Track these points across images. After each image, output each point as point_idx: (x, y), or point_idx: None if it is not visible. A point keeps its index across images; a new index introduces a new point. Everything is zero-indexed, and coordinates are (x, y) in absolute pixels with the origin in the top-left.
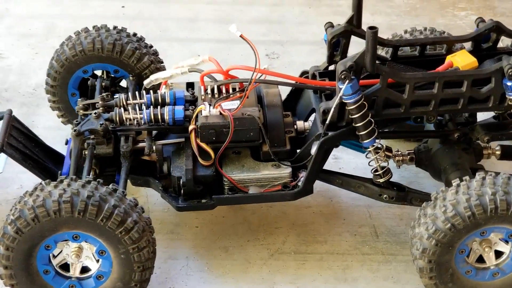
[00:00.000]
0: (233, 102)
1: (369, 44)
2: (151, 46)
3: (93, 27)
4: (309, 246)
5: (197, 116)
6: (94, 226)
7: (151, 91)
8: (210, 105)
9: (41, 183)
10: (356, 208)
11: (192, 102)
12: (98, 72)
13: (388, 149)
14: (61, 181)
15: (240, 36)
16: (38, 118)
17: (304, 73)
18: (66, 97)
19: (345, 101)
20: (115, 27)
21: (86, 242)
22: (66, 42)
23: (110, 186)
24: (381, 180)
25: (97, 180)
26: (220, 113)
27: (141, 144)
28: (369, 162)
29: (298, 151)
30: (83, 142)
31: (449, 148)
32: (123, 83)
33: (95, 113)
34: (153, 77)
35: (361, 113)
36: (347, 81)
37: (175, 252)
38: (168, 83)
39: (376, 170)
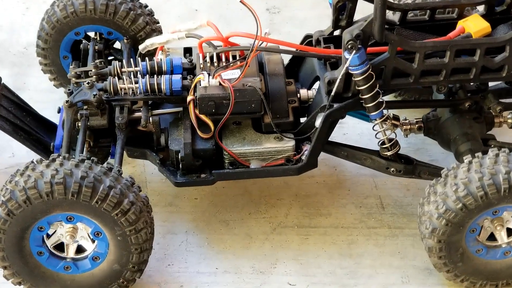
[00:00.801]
0: (233, 72)
1: (378, 11)
2: (146, 6)
3: None
4: (313, 219)
5: (195, 86)
6: (89, 208)
7: (147, 58)
8: (209, 74)
9: (32, 162)
10: (361, 177)
11: (190, 70)
12: (91, 34)
13: (395, 117)
14: (53, 160)
15: (240, 1)
16: (29, 80)
17: (307, 37)
18: (58, 60)
19: (352, 72)
20: None
21: (81, 222)
22: (57, 2)
23: (105, 164)
24: (389, 153)
25: (91, 158)
26: (220, 84)
27: (137, 114)
28: (375, 134)
29: (301, 120)
30: (76, 113)
31: (459, 117)
32: (117, 45)
33: (88, 82)
34: (148, 42)
35: (368, 84)
36: (354, 51)
37: (174, 226)
38: (165, 48)
39: (383, 143)
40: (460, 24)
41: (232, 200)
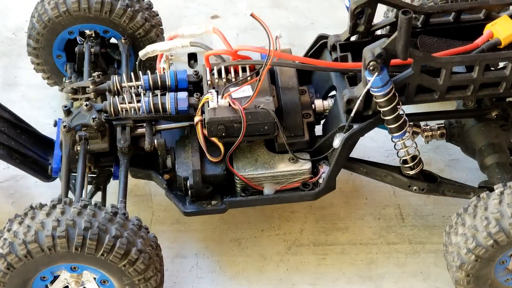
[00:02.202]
0: (244, 89)
1: (402, 30)
2: None
3: None
4: (329, 235)
5: (203, 106)
6: (94, 259)
7: (149, 72)
8: (217, 92)
9: (31, 207)
10: (379, 183)
11: (196, 84)
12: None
13: (416, 124)
14: (54, 207)
15: (251, 15)
16: (21, 73)
17: (320, 38)
18: (52, 59)
19: (374, 94)
20: None
21: (86, 271)
22: (48, 0)
23: (109, 208)
24: (412, 173)
25: (95, 203)
26: (230, 105)
27: (139, 131)
28: (397, 153)
29: (317, 139)
30: (74, 136)
31: (485, 125)
32: (115, 40)
33: (87, 104)
34: (149, 48)
35: (391, 106)
36: (376, 73)
37: (182, 248)
38: (167, 55)
39: (406, 161)
40: (488, 28)
41: (243, 215)
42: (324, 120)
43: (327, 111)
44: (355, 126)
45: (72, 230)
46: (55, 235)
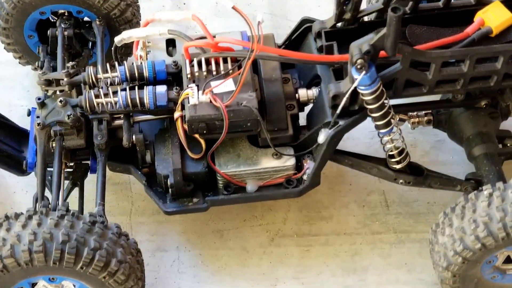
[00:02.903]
0: (226, 83)
1: (392, 27)
2: None
3: None
4: (313, 225)
5: (183, 101)
6: (73, 272)
7: (125, 62)
8: (197, 86)
9: (6, 217)
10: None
11: (175, 74)
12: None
13: None
14: (30, 217)
15: (232, 7)
16: None
17: (304, 22)
18: (23, 39)
19: (361, 91)
20: None
21: (65, 281)
22: None
23: (87, 217)
24: (398, 166)
25: (72, 212)
26: (211, 101)
27: (117, 122)
28: (383, 147)
29: (301, 130)
30: (49, 130)
31: (474, 113)
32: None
33: (61, 100)
34: (125, 34)
35: (379, 103)
36: (364, 72)
37: (163, 241)
38: (145, 41)
39: (392, 155)
40: (479, 15)
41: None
42: (308, 110)
43: (311, 100)
44: (341, 123)
45: (49, 243)
46: (32, 249)
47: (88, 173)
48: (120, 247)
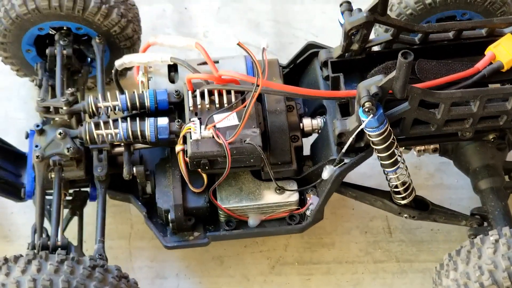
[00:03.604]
0: (229, 118)
1: (401, 72)
2: None
3: None
4: (315, 252)
5: (185, 135)
6: None
7: (126, 92)
8: (200, 120)
9: (5, 260)
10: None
11: (177, 104)
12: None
13: None
14: (29, 262)
15: (238, 44)
16: None
17: (310, 47)
18: (20, 54)
19: (368, 133)
20: None
21: None
22: None
23: (87, 261)
24: (403, 202)
25: (72, 257)
26: (213, 136)
27: (117, 150)
28: (388, 183)
29: (305, 161)
30: (48, 161)
31: (481, 145)
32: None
33: (60, 133)
34: (126, 59)
35: (386, 144)
36: (371, 115)
37: (163, 267)
38: (146, 67)
39: (397, 191)
40: (491, 50)
41: None
42: (313, 141)
43: (316, 130)
44: (347, 161)
45: None
46: None
47: (88, 200)
48: None
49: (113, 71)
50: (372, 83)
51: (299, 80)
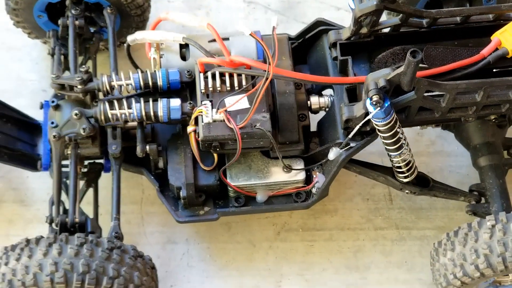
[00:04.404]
0: (241, 101)
1: (409, 69)
2: None
3: None
4: (318, 219)
5: (196, 117)
6: None
7: (139, 70)
8: (211, 102)
9: (27, 241)
10: (369, 156)
11: (189, 84)
12: None
13: None
14: (50, 245)
15: (250, 34)
16: None
17: (319, 24)
18: (32, 19)
19: (374, 123)
20: None
21: None
22: None
23: (105, 243)
24: (405, 180)
25: (91, 239)
26: (224, 120)
27: (130, 124)
28: (392, 162)
29: (312, 139)
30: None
31: (483, 123)
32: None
33: (76, 113)
34: (138, 35)
35: (392, 132)
36: (379, 107)
37: (173, 233)
38: (158, 44)
39: (399, 167)
40: (497, 36)
41: None
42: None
43: (323, 108)
44: (353, 144)
45: (70, 274)
46: (53, 279)
47: (102, 171)
48: (136, 270)
49: (125, 45)
50: (381, 76)
51: (307, 55)
